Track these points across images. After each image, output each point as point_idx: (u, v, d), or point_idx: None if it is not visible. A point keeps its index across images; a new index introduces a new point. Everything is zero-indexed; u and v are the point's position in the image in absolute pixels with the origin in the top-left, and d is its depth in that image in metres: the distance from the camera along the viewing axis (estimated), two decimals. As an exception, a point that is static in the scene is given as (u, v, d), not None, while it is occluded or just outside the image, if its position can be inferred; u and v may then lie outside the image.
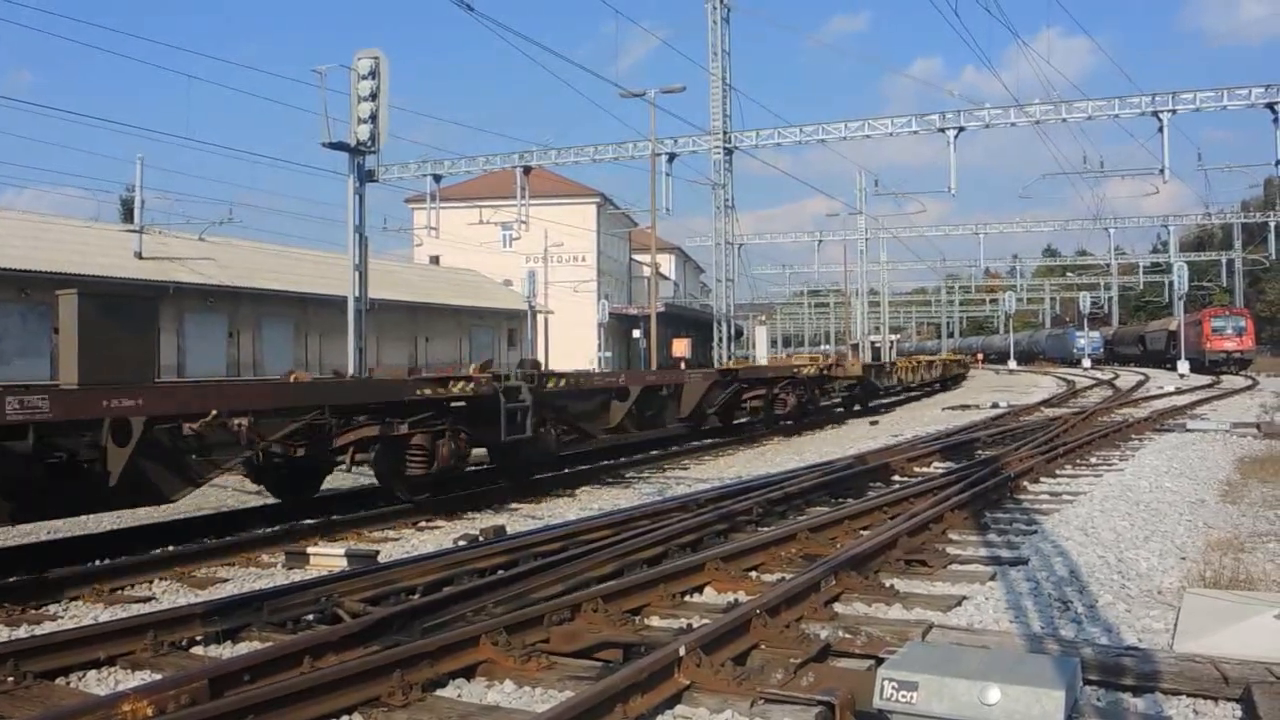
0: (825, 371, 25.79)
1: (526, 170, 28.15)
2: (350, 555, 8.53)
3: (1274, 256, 52.19)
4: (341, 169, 24.58)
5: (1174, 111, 23.11)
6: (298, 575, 8.07)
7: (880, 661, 4.75)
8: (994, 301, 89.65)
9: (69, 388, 8.44)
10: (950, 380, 46.03)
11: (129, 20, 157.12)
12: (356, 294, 24.49)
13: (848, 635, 5.70)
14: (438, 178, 28.27)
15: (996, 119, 24.79)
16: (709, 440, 19.71)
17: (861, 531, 8.89)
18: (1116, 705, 4.75)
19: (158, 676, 5.19)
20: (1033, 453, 14.23)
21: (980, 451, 15.88)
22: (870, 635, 5.68)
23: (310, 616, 6.45)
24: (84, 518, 9.87)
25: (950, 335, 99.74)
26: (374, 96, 21.95)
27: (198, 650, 5.97)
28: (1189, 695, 4.75)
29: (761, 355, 49.80)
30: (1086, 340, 72.07)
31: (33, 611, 7.12)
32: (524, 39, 78.87)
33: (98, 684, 5.39)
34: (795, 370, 23.51)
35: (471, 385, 11.56)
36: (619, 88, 30.87)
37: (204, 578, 8.27)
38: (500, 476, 13.08)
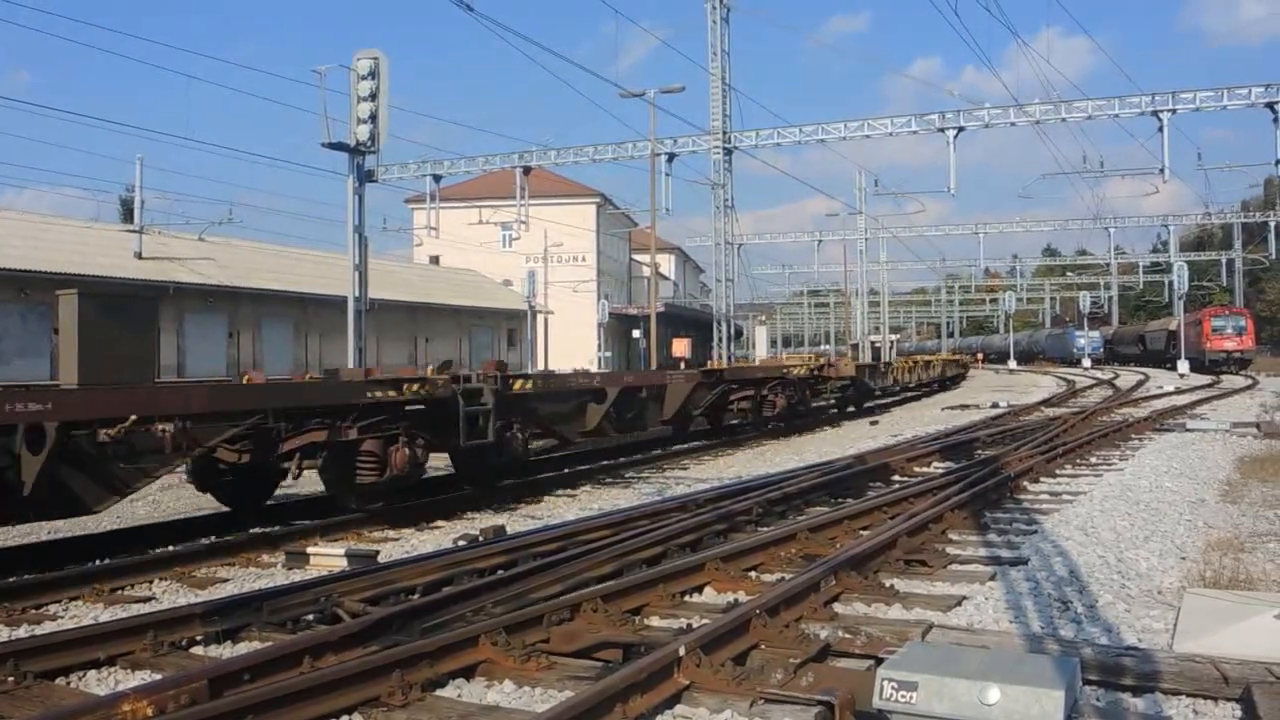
0: (816, 372, 24.98)
1: (526, 170, 28.15)
2: (350, 555, 8.53)
3: (1274, 256, 52.16)
4: (341, 169, 24.61)
5: (1174, 111, 23.09)
6: (297, 575, 8.07)
7: (880, 661, 4.75)
8: (994, 301, 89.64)
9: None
10: (949, 380, 45.87)
11: (128, 20, 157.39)
12: (356, 294, 24.50)
13: (847, 635, 5.71)
14: (437, 178, 28.26)
15: (996, 119, 24.78)
16: (695, 443, 19.30)
17: (861, 531, 8.89)
18: (1116, 705, 4.75)
19: (157, 676, 5.19)
20: (1032, 452, 14.23)
21: (980, 451, 15.88)
22: (870, 635, 5.69)
23: (310, 616, 6.45)
24: (84, 517, 9.84)
25: (950, 335, 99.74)
26: (373, 97, 21.95)
27: (197, 650, 5.97)
28: (1189, 695, 4.75)
29: (761, 355, 49.81)
30: (1086, 340, 72.06)
31: (33, 611, 7.11)
32: (524, 39, 78.89)
33: (98, 684, 5.40)
34: (785, 371, 22.89)
35: (427, 387, 10.98)
36: (619, 88, 30.90)
37: (204, 578, 8.27)
38: (464, 483, 12.61)
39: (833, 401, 28.48)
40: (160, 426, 8.31)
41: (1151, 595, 6.64)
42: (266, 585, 7.59)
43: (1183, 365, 51.47)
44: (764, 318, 70.08)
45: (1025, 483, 12.01)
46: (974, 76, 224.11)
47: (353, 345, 24.42)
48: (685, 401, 17.25)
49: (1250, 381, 41.42)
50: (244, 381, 10.41)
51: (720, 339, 28.94)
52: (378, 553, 8.81)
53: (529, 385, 12.82)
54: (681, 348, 40.49)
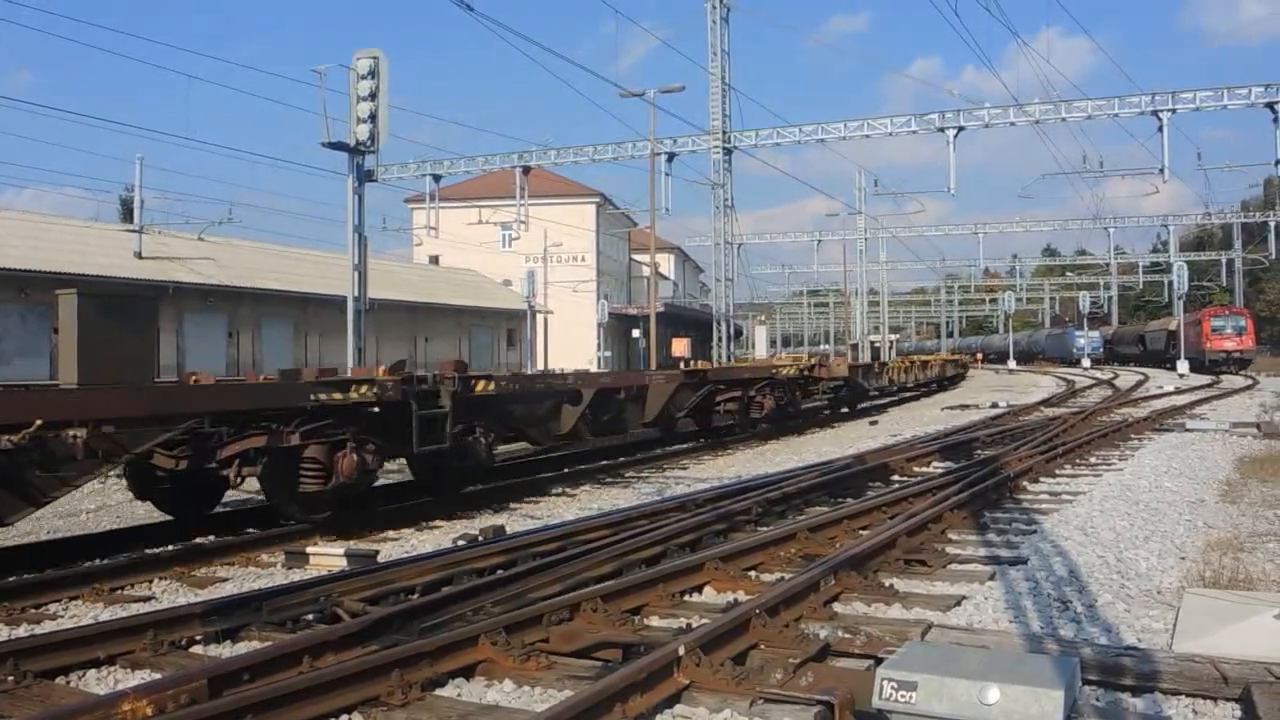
0: (807, 373, 24.06)
1: (526, 170, 28.17)
2: (349, 555, 8.53)
3: (1274, 256, 52.19)
4: (341, 169, 24.62)
5: (1174, 111, 23.10)
6: (297, 575, 8.07)
7: (879, 661, 4.75)
8: (993, 301, 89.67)
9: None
10: (948, 380, 45.74)
11: (129, 20, 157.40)
12: (356, 294, 24.51)
13: (847, 635, 5.71)
14: (437, 178, 28.27)
15: (996, 119, 24.79)
16: (694, 443, 19.10)
17: (861, 531, 8.89)
18: (1115, 705, 4.75)
19: (157, 676, 5.19)
20: (1032, 452, 14.24)
21: (979, 451, 15.89)
22: (869, 635, 5.69)
23: (309, 616, 6.45)
24: (83, 517, 9.86)
25: (950, 335, 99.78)
26: (373, 96, 21.95)
27: (197, 650, 5.97)
28: (1188, 695, 4.75)
29: (761, 355, 49.83)
30: (1086, 340, 72.06)
31: (32, 611, 7.11)
32: (524, 39, 79.01)
33: (97, 683, 5.40)
34: (774, 371, 22.03)
35: (375, 389, 10.28)
36: (619, 87, 30.94)
37: (203, 577, 8.27)
38: (422, 491, 11.95)
39: (825, 403, 27.67)
40: (72, 432, 7.68)
41: (1151, 595, 6.64)
42: (266, 585, 7.59)
43: (1182, 365, 51.48)
44: (764, 317, 70.10)
45: (1025, 483, 12.01)
46: (974, 76, 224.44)
47: (352, 345, 24.43)
48: (668, 403, 16.69)
49: (1250, 381, 41.43)
50: (189, 383, 9.76)
51: (720, 339, 28.96)
52: (377, 552, 8.82)
53: (492, 386, 12.04)
54: (681, 347, 40.52)
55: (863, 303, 52.56)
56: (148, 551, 9.09)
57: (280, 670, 4.98)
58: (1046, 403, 29.13)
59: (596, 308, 51.31)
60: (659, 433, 18.44)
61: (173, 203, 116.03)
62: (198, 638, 6.06)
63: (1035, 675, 3.75)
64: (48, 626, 6.63)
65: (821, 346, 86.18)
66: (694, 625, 5.76)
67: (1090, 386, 39.26)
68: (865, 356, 45.40)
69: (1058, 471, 13.29)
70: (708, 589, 7.13)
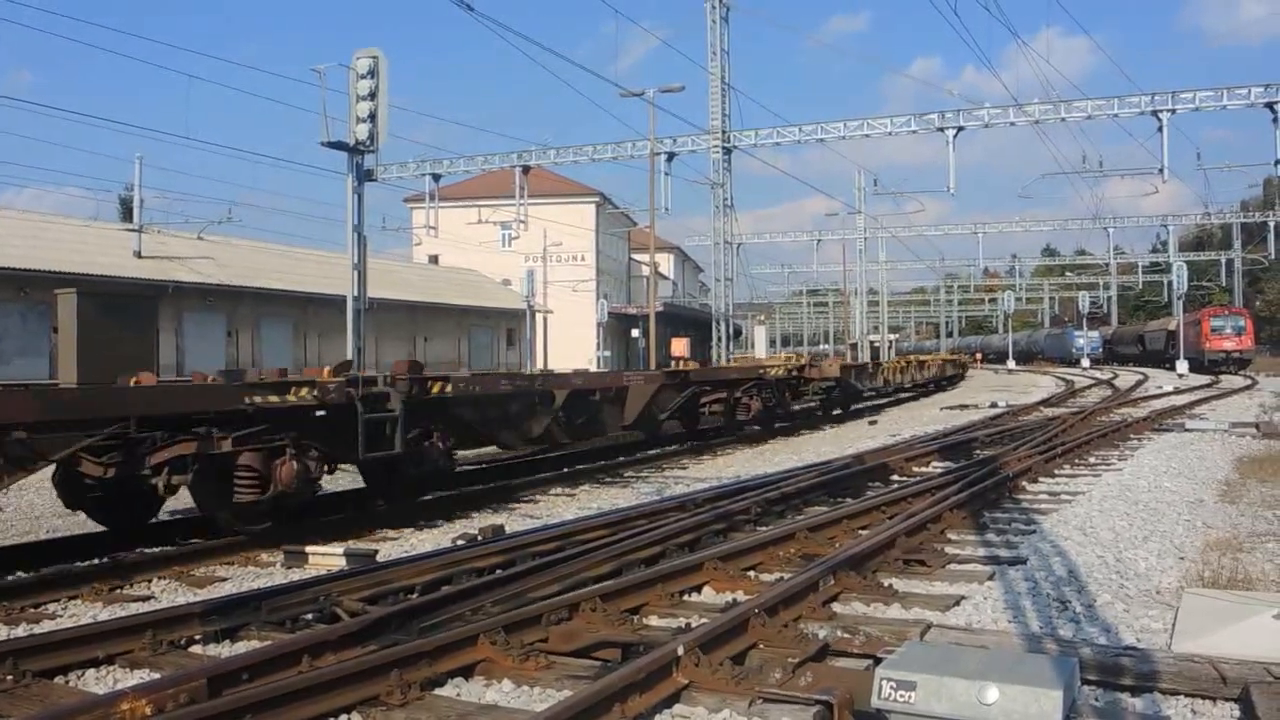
0: (796, 373, 23.38)
1: (525, 170, 28.19)
2: (349, 555, 8.53)
3: (1273, 256, 52.24)
4: (341, 168, 24.63)
5: (1173, 111, 23.12)
6: (296, 574, 8.07)
7: (878, 661, 4.75)
8: (993, 301, 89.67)
9: None
10: (947, 380, 45.66)
11: (129, 20, 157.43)
12: (355, 293, 24.51)
13: (846, 635, 5.71)
14: (436, 177, 28.29)
15: (996, 118, 24.80)
16: (692, 443, 18.80)
17: (860, 531, 8.90)
18: (1115, 705, 4.75)
19: (156, 675, 5.18)
20: (1031, 452, 14.24)
21: (979, 451, 15.89)
22: (868, 635, 5.69)
23: (309, 616, 6.45)
24: (83, 517, 9.84)
25: (949, 335, 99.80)
26: (373, 96, 21.94)
27: (196, 649, 5.97)
28: (1187, 695, 4.75)
29: (760, 354, 49.83)
30: (1085, 340, 72.06)
31: (32, 610, 7.11)
32: (524, 39, 79.03)
33: (96, 683, 5.39)
34: (761, 372, 21.39)
35: (316, 391, 9.64)
36: (618, 87, 31.01)
37: (203, 577, 8.27)
38: (375, 499, 11.28)
39: (816, 404, 26.68)
40: None
41: (1150, 595, 6.64)
42: (265, 584, 7.59)
43: (1182, 365, 51.50)
44: (763, 317, 70.03)
45: (1024, 483, 12.01)
46: (974, 76, 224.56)
47: (352, 345, 24.44)
48: (649, 405, 16.08)
49: (1249, 381, 41.45)
50: (131, 385, 9.11)
51: (719, 339, 28.97)
52: (376, 552, 8.82)
53: (449, 388, 11.35)
54: (681, 347, 40.58)
55: (862, 302, 52.57)
56: (147, 551, 9.09)
57: (279, 670, 4.98)
58: (1046, 403, 29.14)
59: (596, 307, 51.34)
60: (641, 436, 17.91)
61: (172, 202, 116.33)
62: (197, 637, 6.06)
63: (1034, 675, 3.75)
64: (47, 626, 6.62)
65: (821, 346, 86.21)
66: (693, 625, 5.76)
67: (1089, 386, 39.27)
68: (865, 356, 45.40)
69: (1057, 471, 13.29)
70: (707, 589, 7.13)
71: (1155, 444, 16.64)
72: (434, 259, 57.33)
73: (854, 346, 50.42)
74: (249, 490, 9.01)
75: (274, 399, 9.27)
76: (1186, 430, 18.95)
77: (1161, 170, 23.84)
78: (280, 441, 9.23)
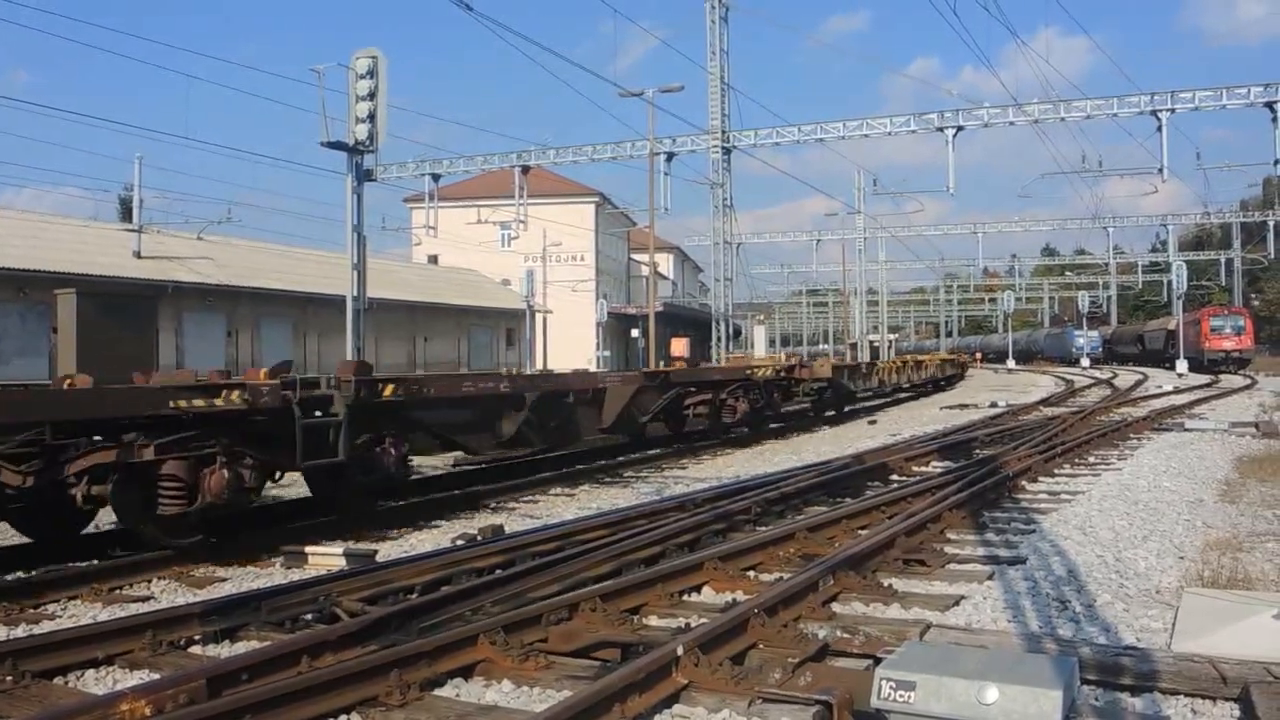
0: (786, 374, 22.53)
1: (525, 170, 28.20)
2: (348, 555, 8.53)
3: (1273, 256, 52.27)
4: (341, 168, 24.65)
5: (1173, 111, 23.12)
6: (296, 575, 8.07)
7: (878, 661, 4.75)
8: (993, 301, 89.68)
9: None
10: (946, 380, 45.57)
11: (129, 20, 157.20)
12: (355, 293, 24.52)
13: (846, 635, 5.71)
14: (436, 177, 28.30)
15: (995, 118, 24.81)
16: (693, 443, 18.48)
17: (859, 531, 8.89)
18: (1114, 705, 4.75)
19: (156, 676, 5.19)
20: (1031, 452, 14.24)
21: (978, 451, 15.88)
22: (868, 635, 5.69)
23: (308, 616, 6.45)
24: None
25: (949, 334, 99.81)
26: (372, 96, 21.96)
27: (196, 650, 5.97)
28: (1187, 695, 4.75)
29: (760, 354, 49.85)
30: (1085, 339, 72.07)
31: (31, 611, 7.11)
32: (524, 39, 79.06)
33: (96, 683, 5.39)
34: (748, 373, 20.49)
35: (247, 395, 9.01)
36: (618, 87, 31.04)
37: (202, 577, 8.27)
38: (321, 509, 10.61)
39: (807, 405, 25.72)
40: None
41: (1150, 595, 6.64)
42: (265, 585, 7.59)
43: (1181, 365, 51.50)
44: (763, 317, 70.01)
45: (1024, 482, 12.01)
46: (973, 76, 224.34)
47: (351, 345, 24.45)
48: (628, 407, 15.39)
49: (1249, 381, 41.45)
50: (66, 386, 8.71)
51: (719, 338, 28.98)
52: (376, 552, 8.82)
53: (401, 390, 10.72)
54: (680, 347, 40.61)
55: (862, 302, 52.58)
56: (146, 551, 9.08)
57: (279, 670, 4.98)
58: (1045, 402, 29.14)
59: (595, 307, 51.35)
60: (623, 439, 17.16)
61: (172, 202, 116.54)
62: (196, 638, 6.06)
63: (1034, 675, 3.75)
64: (46, 626, 6.62)
65: (820, 346, 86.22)
66: (693, 625, 5.76)
67: (1089, 386, 39.27)
68: (865, 356, 45.39)
69: (1056, 471, 13.29)
70: (706, 589, 7.13)
71: (1155, 443, 16.64)
72: (433, 259, 57.33)
73: (854, 346, 50.42)
74: (173, 502, 8.41)
75: (199, 403, 8.63)
76: (1186, 430, 18.95)
77: (1161, 170, 23.86)
78: (210, 449, 8.64)
